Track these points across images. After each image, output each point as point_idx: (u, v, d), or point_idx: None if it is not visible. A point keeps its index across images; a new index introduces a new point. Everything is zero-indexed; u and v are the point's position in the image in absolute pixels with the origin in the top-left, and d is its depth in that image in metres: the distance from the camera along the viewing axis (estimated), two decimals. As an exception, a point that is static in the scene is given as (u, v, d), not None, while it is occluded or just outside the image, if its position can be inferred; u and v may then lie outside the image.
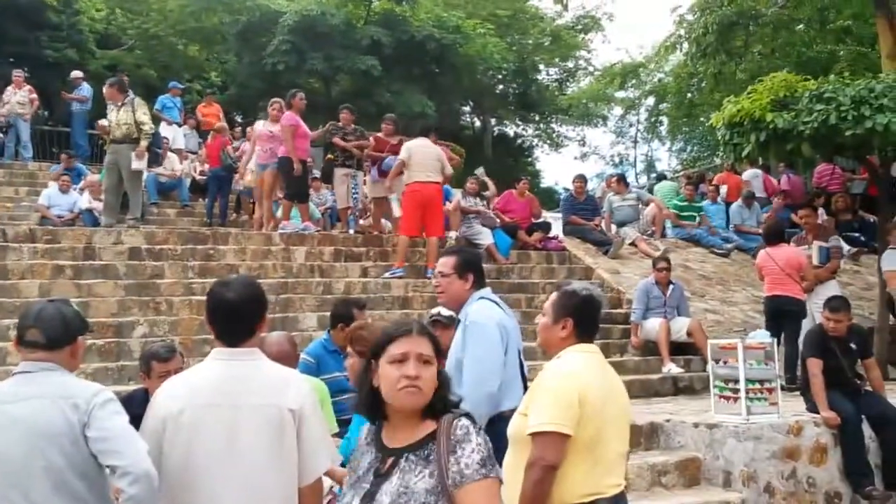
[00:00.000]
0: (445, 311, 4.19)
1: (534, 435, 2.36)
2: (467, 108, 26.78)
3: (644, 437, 5.20)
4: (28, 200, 10.40)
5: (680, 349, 7.54)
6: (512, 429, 2.50)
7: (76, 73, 13.55)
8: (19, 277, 6.85)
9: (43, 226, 8.61)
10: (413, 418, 1.94)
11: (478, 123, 26.46)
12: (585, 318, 2.57)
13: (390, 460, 1.91)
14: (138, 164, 8.59)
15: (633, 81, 25.99)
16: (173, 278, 7.32)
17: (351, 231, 9.63)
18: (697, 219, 10.59)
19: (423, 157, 8.19)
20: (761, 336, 5.64)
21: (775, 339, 5.50)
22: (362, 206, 10.29)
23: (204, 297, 7.15)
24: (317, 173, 11.41)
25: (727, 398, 5.00)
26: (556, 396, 2.37)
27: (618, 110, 29.45)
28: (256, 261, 8.00)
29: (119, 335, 6.26)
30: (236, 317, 2.29)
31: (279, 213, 9.37)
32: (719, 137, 7.22)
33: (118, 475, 2.13)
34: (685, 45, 14.41)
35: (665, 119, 26.93)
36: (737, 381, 4.94)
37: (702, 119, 22.55)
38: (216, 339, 2.31)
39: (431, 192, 8.19)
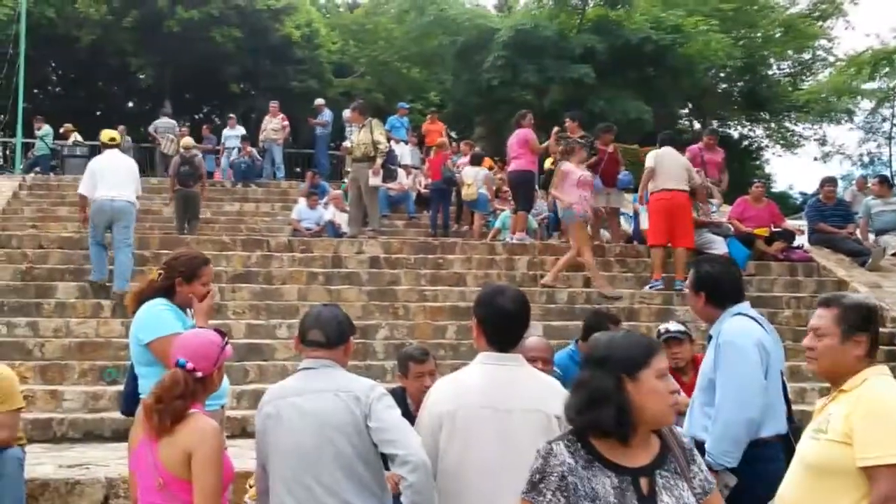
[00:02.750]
0: (674, 326, 4.02)
1: (883, 468, 2.09)
2: (685, 111, 25.35)
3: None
4: (282, 215, 11.77)
5: (966, 377, 6.46)
6: (819, 457, 2.25)
7: (319, 101, 15.14)
8: (281, 283, 7.77)
9: (296, 237, 9.72)
10: (651, 434, 1.89)
11: (697, 126, 24.93)
12: (875, 333, 2.30)
13: (645, 480, 1.83)
14: (375, 180, 9.36)
15: (887, 70, 22.69)
16: (408, 285, 7.84)
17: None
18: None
19: (671, 164, 8.03)
20: None
21: None
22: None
23: (435, 304, 7.56)
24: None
25: None
26: None
27: (866, 104, 25.85)
28: (482, 269, 8.29)
29: (364, 337, 6.80)
30: (513, 324, 2.37)
31: (502, 225, 9.67)
32: None
33: (398, 463, 2.26)
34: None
35: (928, 111, 23.34)
36: None
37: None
38: (487, 344, 2.38)
39: (679, 201, 7.98)
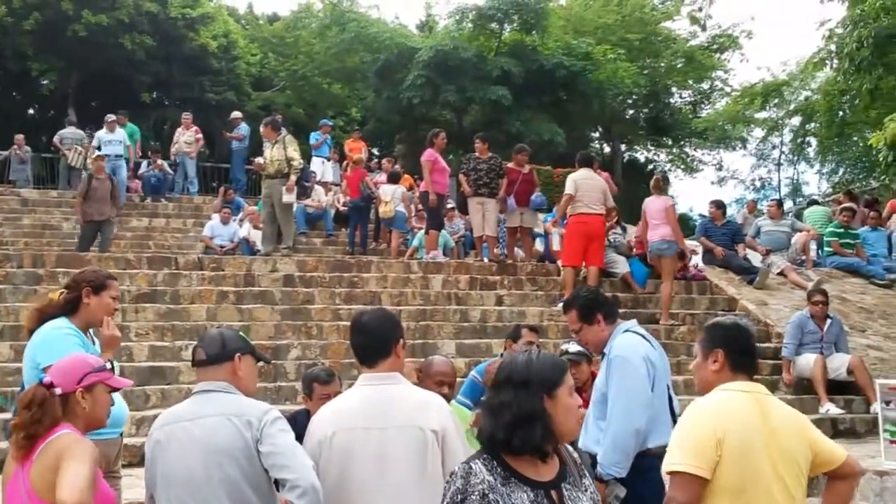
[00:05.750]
0: (573, 347, 4.15)
1: (668, 473, 2.31)
2: (596, 135, 26.43)
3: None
4: (194, 231, 11.44)
5: (838, 388, 7.07)
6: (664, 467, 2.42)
7: (236, 114, 14.76)
8: (189, 302, 7.53)
9: (207, 254, 9.44)
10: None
11: (607, 149, 26.03)
12: (736, 348, 2.45)
13: (556, 493, 1.91)
14: (288, 197, 9.26)
15: (776, 101, 24.53)
16: (322, 304, 7.78)
17: (485, 259, 9.79)
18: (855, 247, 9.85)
19: (589, 188, 8.18)
20: (939, 378, 5.14)
21: (955, 381, 4.99)
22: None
23: (349, 323, 7.47)
24: (451, 203, 11.76)
25: (900, 445, 4.58)
26: (690, 435, 2.30)
27: (758, 132, 27.93)
28: (397, 288, 8.33)
29: (276, 357, 6.68)
30: (367, 338, 2.46)
31: (419, 243, 9.76)
32: (880, 158, 6.72)
33: (287, 488, 2.25)
34: (835, 60, 13.57)
35: (813, 140, 25.25)
36: (911, 427, 4.51)
37: (855, 139, 20.88)
38: (360, 364, 2.49)
39: (596, 225, 8.20)
